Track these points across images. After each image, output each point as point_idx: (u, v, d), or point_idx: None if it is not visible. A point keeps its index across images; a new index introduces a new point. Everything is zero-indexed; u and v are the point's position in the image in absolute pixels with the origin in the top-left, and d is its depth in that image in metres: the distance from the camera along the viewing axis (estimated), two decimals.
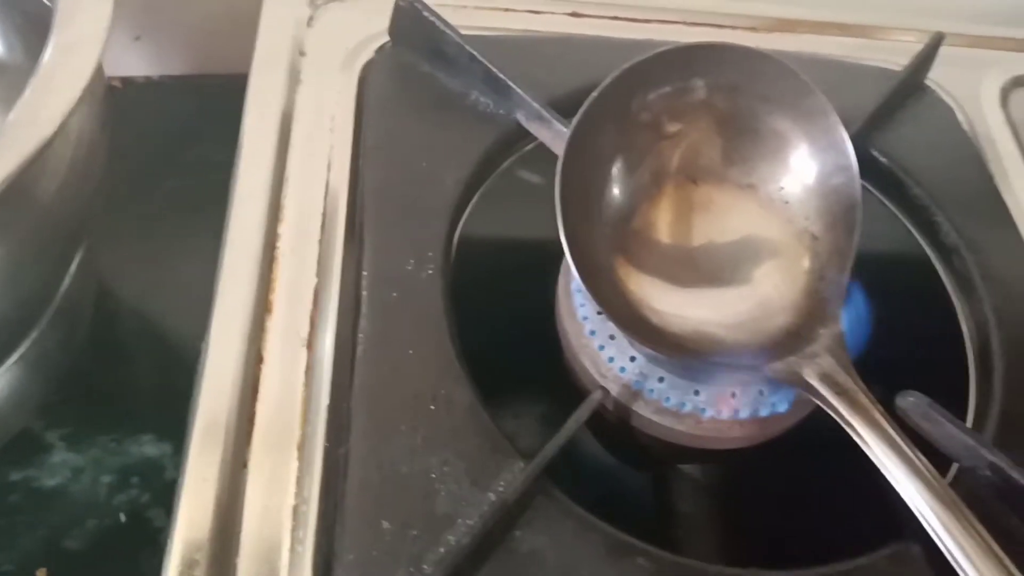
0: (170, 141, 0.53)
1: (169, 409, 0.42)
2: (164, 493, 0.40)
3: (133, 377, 0.45)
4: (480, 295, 0.35)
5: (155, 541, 0.39)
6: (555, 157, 0.31)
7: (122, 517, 0.40)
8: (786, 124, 0.35)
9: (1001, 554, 0.27)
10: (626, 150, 0.33)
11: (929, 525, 0.28)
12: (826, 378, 0.30)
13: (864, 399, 0.30)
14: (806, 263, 0.34)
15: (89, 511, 0.40)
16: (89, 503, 0.40)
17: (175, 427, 0.41)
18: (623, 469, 0.38)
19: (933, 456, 0.31)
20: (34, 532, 0.39)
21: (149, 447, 0.42)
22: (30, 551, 0.38)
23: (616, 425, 0.34)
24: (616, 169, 0.33)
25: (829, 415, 0.30)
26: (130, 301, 0.48)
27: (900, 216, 0.41)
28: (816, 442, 0.34)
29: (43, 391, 0.43)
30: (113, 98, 0.52)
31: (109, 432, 0.42)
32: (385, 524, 0.28)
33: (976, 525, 0.27)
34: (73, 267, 0.40)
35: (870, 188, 0.41)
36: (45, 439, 0.42)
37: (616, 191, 0.33)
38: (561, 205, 0.30)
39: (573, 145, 0.31)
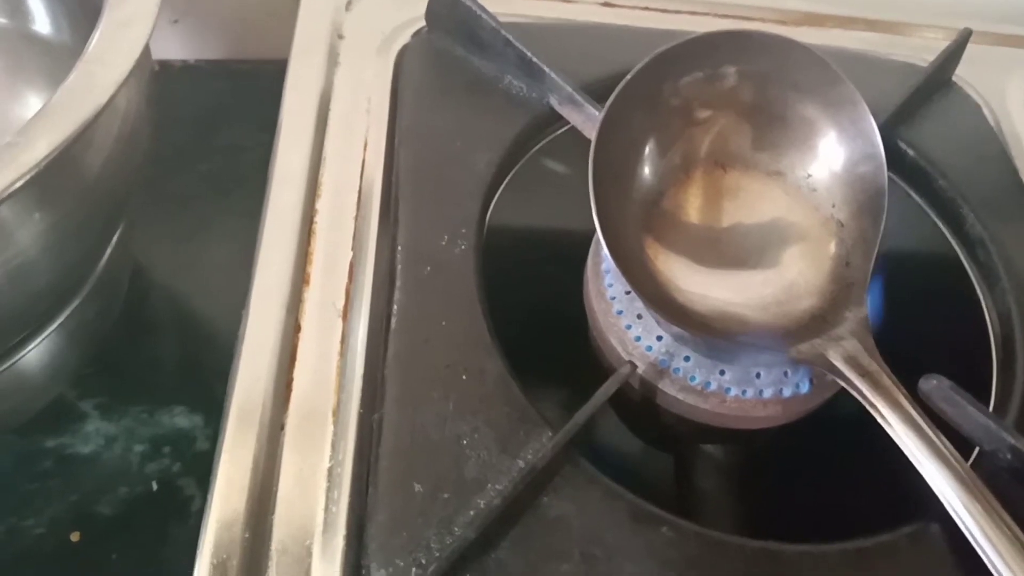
0: (205, 124, 0.54)
1: (200, 383, 0.43)
2: (195, 463, 0.41)
3: (165, 352, 0.46)
4: (510, 274, 0.36)
5: (186, 509, 0.40)
6: (585, 144, 0.32)
7: (154, 485, 0.41)
8: (815, 112, 0.35)
9: (1021, 535, 0.27)
10: (657, 133, 0.34)
11: (950, 505, 0.28)
12: (851, 360, 0.31)
13: (887, 381, 0.30)
14: (832, 249, 0.35)
15: (121, 479, 0.40)
16: (121, 471, 0.41)
17: (206, 400, 0.42)
18: (647, 450, 0.38)
19: (955, 440, 0.31)
20: (67, 497, 0.40)
21: (181, 419, 0.43)
22: (63, 515, 0.39)
23: (641, 404, 0.34)
24: (647, 152, 0.34)
25: (851, 398, 0.30)
26: (163, 278, 0.49)
27: (925, 208, 0.42)
28: (838, 424, 0.34)
29: (79, 361, 0.44)
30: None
31: (142, 403, 0.43)
32: (417, 487, 0.29)
33: (996, 506, 0.28)
34: (113, 241, 0.41)
35: (896, 179, 0.42)
36: (79, 408, 0.42)
37: (647, 173, 0.34)
38: (594, 184, 0.31)
39: (606, 127, 0.32)
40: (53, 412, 0.42)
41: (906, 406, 0.29)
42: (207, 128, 0.54)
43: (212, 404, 0.39)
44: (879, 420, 0.30)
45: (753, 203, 0.35)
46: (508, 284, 0.35)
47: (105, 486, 0.40)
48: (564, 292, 0.36)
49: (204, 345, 0.46)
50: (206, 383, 0.43)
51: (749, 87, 0.35)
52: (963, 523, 0.28)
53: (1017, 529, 0.28)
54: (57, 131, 0.29)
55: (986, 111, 0.45)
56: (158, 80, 0.55)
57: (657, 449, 0.38)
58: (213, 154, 0.52)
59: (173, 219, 0.49)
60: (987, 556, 0.27)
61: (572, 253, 0.36)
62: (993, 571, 0.27)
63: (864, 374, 0.30)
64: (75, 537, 0.39)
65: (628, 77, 0.33)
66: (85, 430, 0.42)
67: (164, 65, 0.56)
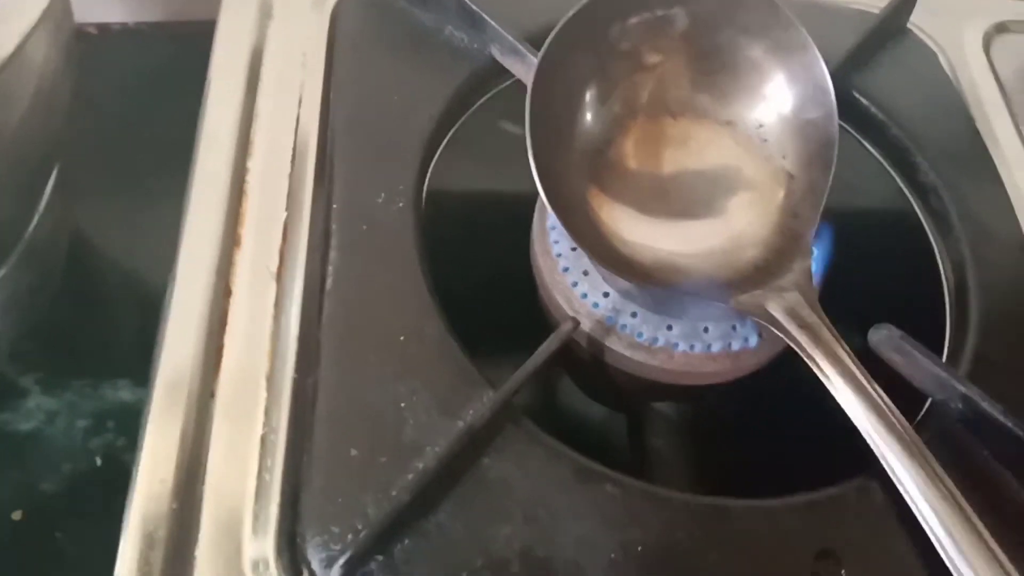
0: (145, 88, 0.52)
1: (145, 356, 0.42)
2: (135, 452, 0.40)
3: (108, 324, 0.45)
4: (453, 234, 0.35)
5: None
6: None
7: (98, 461, 0.40)
8: (766, 57, 0.34)
9: (956, 493, 0.27)
10: (599, 79, 0.33)
11: (887, 462, 0.28)
12: (791, 312, 0.30)
13: (828, 335, 0.29)
14: (780, 201, 0.34)
15: (65, 455, 0.39)
16: (65, 447, 0.40)
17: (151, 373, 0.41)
18: (595, 410, 0.38)
19: (907, 392, 0.31)
20: (8, 475, 0.39)
21: (125, 392, 0.42)
22: (4, 494, 0.38)
23: (589, 363, 0.33)
24: (589, 98, 0.33)
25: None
26: (104, 249, 0.48)
27: (879, 157, 0.41)
28: (788, 380, 0.34)
29: (15, 335, 0.42)
30: (88, 43, 0.51)
31: (84, 377, 0.42)
32: (353, 452, 0.28)
33: (934, 464, 0.27)
34: (42, 205, 0.39)
35: (849, 129, 0.41)
36: (19, 384, 0.41)
37: (590, 121, 0.33)
38: (531, 132, 0.30)
39: (543, 72, 0.31)
40: None
41: (846, 360, 0.29)
42: (148, 93, 0.52)
43: None
44: (818, 374, 0.29)
45: (702, 153, 0.34)
46: (451, 244, 0.34)
47: (48, 463, 0.39)
48: (510, 252, 0.35)
49: (148, 316, 0.45)
50: (151, 355, 0.42)
51: (699, 31, 0.34)
52: (899, 481, 0.27)
53: (954, 488, 0.27)
54: None
55: (941, 59, 0.44)
56: (98, 44, 0.53)
57: (606, 408, 0.37)
58: (155, 120, 0.51)
59: (115, 188, 0.48)
60: (921, 515, 0.27)
61: (518, 212, 0.35)
62: (928, 530, 0.27)
63: (804, 326, 0.30)
64: (17, 516, 0.38)
65: (566, 18, 0.31)
66: (26, 406, 0.41)
67: (103, 28, 0.54)
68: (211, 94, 0.36)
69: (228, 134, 0.35)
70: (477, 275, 0.36)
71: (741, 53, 0.34)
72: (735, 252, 0.33)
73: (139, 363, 0.41)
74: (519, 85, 0.38)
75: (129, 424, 0.40)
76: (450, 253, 0.34)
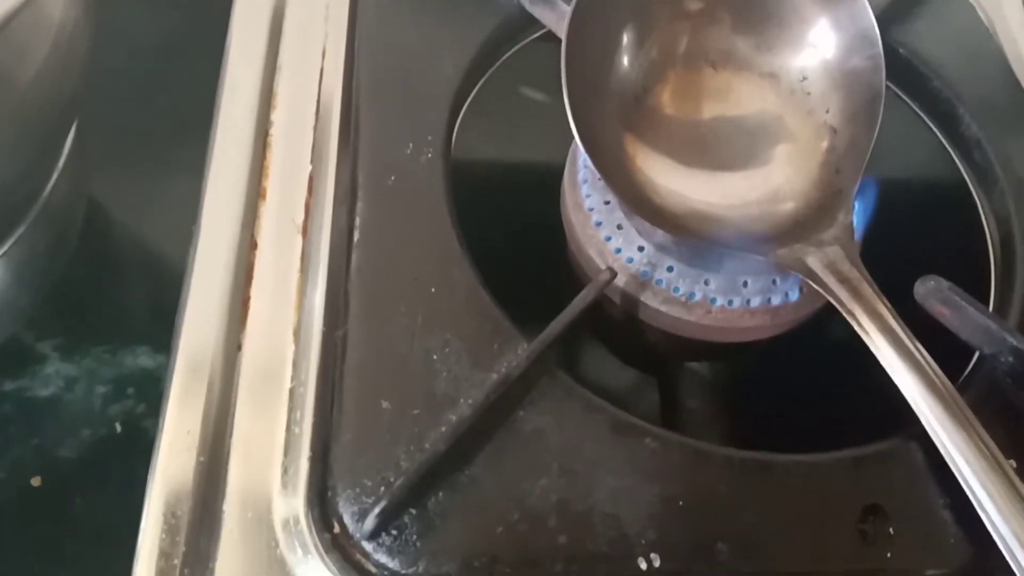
0: (160, 54, 0.51)
1: (164, 321, 0.41)
2: (160, 404, 0.39)
3: (126, 290, 0.44)
4: (482, 186, 0.34)
5: (151, 450, 0.38)
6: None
7: (118, 427, 0.39)
8: (813, 7, 0.33)
9: (999, 455, 0.26)
10: (637, 24, 0.32)
11: (926, 420, 0.27)
12: (831, 266, 0.29)
13: (868, 289, 0.29)
14: (822, 156, 0.33)
15: (84, 421, 0.39)
16: (84, 413, 0.39)
17: (170, 340, 0.40)
18: (628, 370, 0.37)
19: (951, 348, 0.30)
20: (27, 442, 0.38)
21: (144, 358, 0.41)
22: (24, 460, 0.38)
23: (622, 320, 0.32)
24: (626, 43, 0.32)
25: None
26: (121, 215, 0.47)
27: (918, 110, 0.40)
28: (826, 338, 0.33)
29: (31, 299, 0.42)
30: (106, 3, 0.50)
31: (103, 343, 0.41)
32: (384, 404, 0.27)
33: (974, 421, 0.26)
34: (60, 165, 0.39)
35: (887, 82, 0.39)
36: (37, 350, 0.41)
37: (627, 67, 0.32)
38: (567, 76, 0.29)
39: (580, 11, 0.29)
40: (10, 354, 0.40)
41: (886, 316, 0.28)
42: (163, 59, 0.51)
43: None
44: (857, 330, 0.28)
45: (743, 105, 0.34)
46: (479, 197, 0.33)
47: (67, 429, 0.39)
48: (539, 205, 0.34)
49: (167, 282, 0.44)
50: (170, 322, 0.41)
51: None
52: (937, 438, 0.26)
53: (993, 446, 0.26)
54: None
55: (979, 11, 0.43)
56: (112, 7, 0.52)
57: (640, 368, 0.36)
58: (170, 86, 0.50)
59: (131, 155, 0.47)
60: (962, 476, 0.26)
61: (548, 164, 0.34)
62: (966, 489, 0.26)
63: (844, 281, 0.29)
64: (36, 482, 0.37)
65: None
66: (44, 372, 0.40)
67: None
68: (232, 46, 0.36)
69: (251, 86, 0.34)
70: (506, 228, 0.35)
71: (787, 2, 0.33)
72: (775, 206, 0.32)
73: (158, 329, 0.41)
74: (549, 36, 0.36)
75: (149, 390, 0.40)
76: (478, 205, 0.33)
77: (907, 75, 0.39)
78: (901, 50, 0.39)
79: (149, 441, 0.39)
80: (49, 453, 0.38)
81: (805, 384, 0.34)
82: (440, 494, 0.26)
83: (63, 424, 0.39)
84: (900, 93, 0.40)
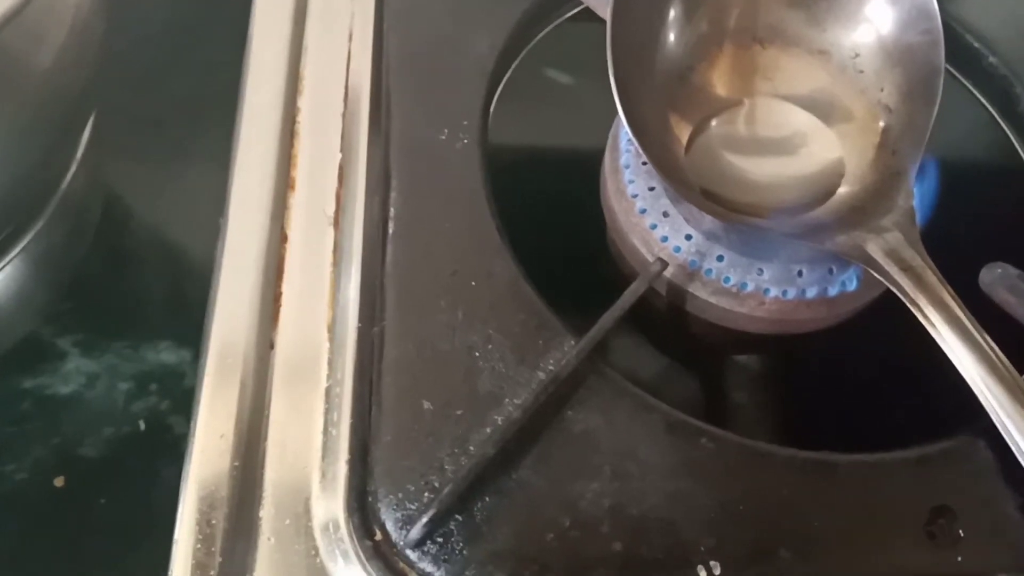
0: (176, 40, 0.50)
1: (186, 316, 0.40)
2: (184, 400, 0.38)
3: (146, 284, 0.43)
4: (518, 172, 0.33)
5: (176, 448, 0.37)
6: (600, 26, 0.28)
7: (141, 425, 0.38)
8: None
9: None
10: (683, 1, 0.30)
11: (995, 413, 0.25)
12: (892, 253, 0.28)
13: (932, 277, 0.27)
14: (878, 136, 0.32)
15: (106, 419, 0.38)
16: (105, 411, 0.38)
17: (194, 334, 0.39)
18: (676, 366, 0.35)
19: (1019, 339, 0.28)
20: (49, 440, 0.37)
21: (167, 354, 0.40)
22: (45, 459, 0.37)
23: (669, 312, 0.31)
24: (672, 19, 0.30)
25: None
26: (140, 207, 0.46)
27: (972, 89, 0.38)
28: (884, 328, 0.31)
29: (50, 294, 0.41)
30: None
31: (124, 339, 0.40)
32: (426, 404, 0.26)
33: None
34: (78, 155, 0.37)
35: None
36: (57, 346, 0.40)
37: (672, 45, 0.30)
38: (612, 52, 0.27)
39: None
40: (29, 351, 0.39)
41: (952, 306, 0.26)
42: (179, 45, 0.49)
43: (200, 338, 0.36)
44: (921, 319, 0.27)
45: (792, 83, 0.32)
46: (515, 183, 0.32)
47: (89, 427, 0.37)
48: (577, 191, 0.33)
49: (188, 275, 0.43)
50: (192, 316, 0.40)
51: None
52: (1008, 434, 0.25)
53: None
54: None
55: None
56: None
57: (688, 364, 0.34)
58: (186, 73, 0.48)
59: (147, 144, 0.46)
60: None
61: (587, 148, 0.33)
62: None
63: (906, 268, 0.27)
64: (59, 482, 0.36)
65: None
66: (64, 369, 0.39)
67: None
68: (255, 30, 0.34)
69: (276, 70, 0.33)
70: (544, 216, 0.33)
71: None
72: (829, 191, 0.30)
73: (180, 325, 0.40)
74: (586, 12, 0.35)
75: (172, 387, 0.39)
76: (515, 192, 0.31)
77: (961, 52, 0.38)
78: (954, 24, 0.38)
79: (174, 439, 0.38)
80: (71, 452, 0.37)
81: (861, 377, 0.33)
82: (487, 499, 0.25)
83: (85, 422, 0.37)
84: (952, 70, 0.38)
